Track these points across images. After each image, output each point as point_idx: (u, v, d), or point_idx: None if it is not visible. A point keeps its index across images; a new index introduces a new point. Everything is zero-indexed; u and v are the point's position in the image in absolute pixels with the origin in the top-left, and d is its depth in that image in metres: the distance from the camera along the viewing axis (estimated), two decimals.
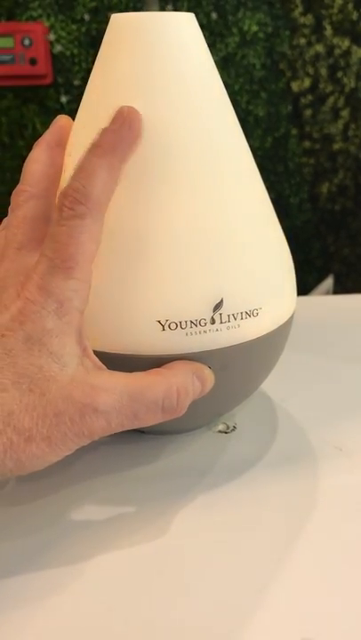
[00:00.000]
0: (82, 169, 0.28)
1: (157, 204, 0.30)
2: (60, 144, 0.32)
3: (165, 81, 0.30)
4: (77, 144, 0.32)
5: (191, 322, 0.30)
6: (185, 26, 0.32)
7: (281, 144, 1.73)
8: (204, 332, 0.30)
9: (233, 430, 0.38)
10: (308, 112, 1.70)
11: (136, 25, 0.31)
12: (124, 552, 0.29)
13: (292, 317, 0.36)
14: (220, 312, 0.31)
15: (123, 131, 0.29)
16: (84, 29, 1.60)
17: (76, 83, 1.64)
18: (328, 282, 1.51)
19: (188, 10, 1.60)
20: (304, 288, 1.87)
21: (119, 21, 0.32)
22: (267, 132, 1.73)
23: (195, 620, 0.25)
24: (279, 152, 1.74)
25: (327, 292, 1.37)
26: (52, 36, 1.60)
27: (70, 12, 1.59)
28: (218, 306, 0.30)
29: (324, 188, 1.77)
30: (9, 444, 0.25)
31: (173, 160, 0.30)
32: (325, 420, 0.39)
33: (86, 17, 1.60)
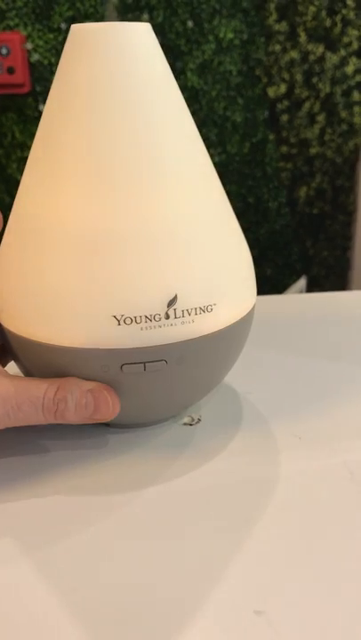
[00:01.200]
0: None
1: (111, 203, 0.31)
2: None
3: (119, 89, 0.32)
4: (35, 152, 0.33)
5: (146, 317, 0.31)
6: (140, 36, 0.33)
7: (259, 149, 1.75)
8: (159, 326, 0.32)
9: (198, 422, 0.39)
10: (284, 117, 1.72)
11: (92, 36, 0.32)
12: (89, 536, 0.30)
13: (250, 313, 0.37)
14: (174, 307, 0.32)
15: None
16: (60, 38, 1.61)
17: None
18: (301, 282, 1.53)
19: (165, 18, 1.62)
20: (284, 291, 1.89)
21: (77, 32, 0.33)
22: (244, 138, 1.75)
23: (158, 593, 0.26)
24: (257, 157, 1.76)
25: (300, 293, 1.39)
26: (29, 45, 1.61)
27: (47, 21, 1.60)
28: (172, 301, 0.32)
29: (302, 192, 1.79)
30: None
31: (126, 163, 0.31)
32: (287, 412, 0.40)
33: (63, 26, 1.61)
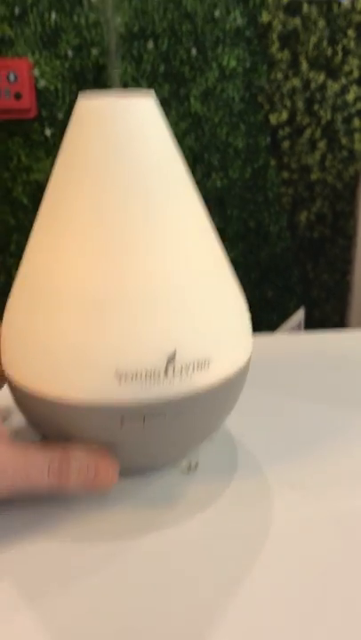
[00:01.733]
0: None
1: (112, 266, 0.33)
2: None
3: (122, 161, 0.33)
4: (43, 216, 0.35)
5: (146, 373, 0.33)
6: (145, 111, 0.35)
7: (260, 174, 1.78)
8: (159, 383, 0.33)
9: (195, 468, 0.40)
10: (286, 144, 1.75)
11: (97, 111, 0.34)
12: (83, 586, 0.31)
13: (246, 364, 0.38)
14: (173, 365, 0.33)
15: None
16: (67, 65, 1.65)
17: (60, 116, 1.68)
18: (299, 314, 1.54)
19: (169, 46, 1.66)
20: (284, 313, 1.91)
21: (83, 106, 0.35)
22: (246, 163, 1.77)
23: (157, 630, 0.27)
24: (258, 182, 1.78)
25: (298, 325, 1.41)
26: (36, 72, 1.65)
27: (54, 48, 1.64)
28: (171, 358, 0.33)
29: (303, 216, 1.82)
30: None
31: (127, 230, 0.33)
32: (282, 458, 0.41)
33: (70, 53, 1.64)
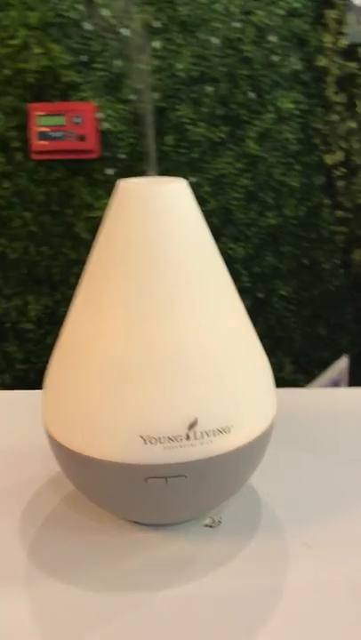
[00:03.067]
0: None
1: (141, 339, 0.36)
2: None
3: (155, 241, 0.37)
4: (82, 291, 0.39)
5: (169, 438, 0.36)
6: (178, 195, 0.38)
7: (314, 213, 1.80)
8: (180, 446, 0.36)
9: (218, 524, 0.43)
10: (340, 183, 1.76)
11: (135, 193, 0.38)
12: (99, 635, 0.34)
13: (268, 428, 0.41)
14: (194, 430, 0.36)
15: None
16: (129, 108, 1.72)
17: (121, 157, 1.75)
18: (343, 361, 1.54)
19: (228, 90, 1.71)
20: (337, 350, 1.90)
21: (123, 188, 0.39)
22: (301, 202, 1.79)
23: None
24: (312, 220, 1.80)
25: (340, 372, 1.41)
26: (100, 115, 1.73)
27: (118, 92, 1.72)
28: (192, 424, 0.36)
29: (357, 254, 1.82)
30: None
31: (156, 306, 0.37)
32: (303, 517, 0.43)
33: (132, 97, 1.72)
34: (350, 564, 0.39)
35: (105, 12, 1.65)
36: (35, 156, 1.69)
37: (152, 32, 1.67)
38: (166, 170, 1.76)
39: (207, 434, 0.36)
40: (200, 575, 0.38)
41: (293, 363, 1.99)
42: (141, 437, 0.36)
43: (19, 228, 1.78)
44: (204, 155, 1.76)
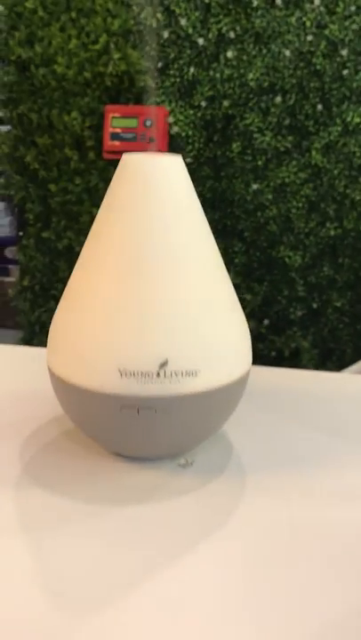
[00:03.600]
0: None
1: (128, 287, 0.42)
2: None
3: (152, 205, 0.43)
4: (87, 245, 0.45)
5: (142, 373, 0.41)
6: (173, 167, 0.44)
7: None
8: (152, 382, 0.41)
9: (190, 465, 0.48)
10: None
11: (137, 164, 0.44)
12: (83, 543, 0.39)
13: (238, 382, 0.45)
14: (164, 369, 0.41)
15: None
16: (199, 114, 1.79)
17: (188, 160, 1.82)
18: None
19: (296, 101, 1.75)
20: None
21: (125, 160, 0.44)
22: None
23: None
24: None
25: None
26: (171, 119, 1.81)
27: (190, 98, 1.79)
28: (163, 364, 0.41)
29: None
30: None
31: (146, 259, 0.42)
32: (265, 468, 0.47)
33: (203, 104, 1.79)
34: (296, 511, 0.43)
35: (183, 22, 1.73)
36: (106, 156, 1.79)
37: (226, 42, 1.73)
38: (231, 175, 1.82)
39: (175, 374, 0.41)
40: (165, 499, 0.43)
41: None
42: (119, 370, 0.41)
43: (87, 223, 1.88)
44: (269, 163, 1.81)
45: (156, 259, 0.42)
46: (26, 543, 0.39)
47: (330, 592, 0.35)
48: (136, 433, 0.43)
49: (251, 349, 0.47)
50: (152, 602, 0.34)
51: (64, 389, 0.45)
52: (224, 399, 0.45)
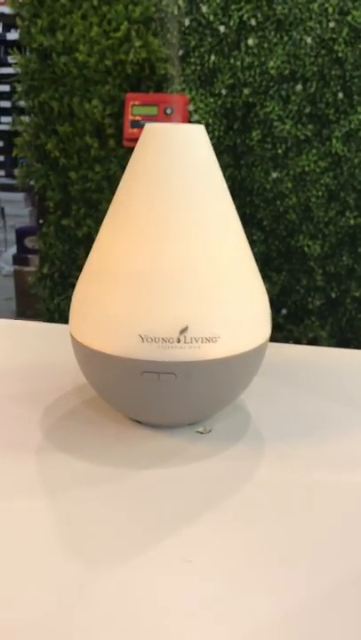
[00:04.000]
0: None
1: (149, 254, 0.43)
2: None
3: (175, 171, 0.43)
4: (109, 215, 0.46)
5: (162, 339, 0.42)
6: (195, 136, 0.44)
7: None
8: (172, 347, 0.42)
9: (209, 432, 0.48)
10: None
11: (156, 133, 0.44)
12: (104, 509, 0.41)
13: (258, 348, 0.46)
14: (185, 335, 0.42)
15: None
16: (220, 102, 1.79)
17: None
18: None
19: (317, 89, 1.74)
20: None
21: (149, 129, 0.45)
22: None
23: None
24: None
25: None
26: (191, 107, 1.81)
27: (210, 86, 1.79)
28: (183, 330, 0.42)
29: None
30: None
31: (168, 223, 0.43)
32: (284, 436, 0.48)
33: (223, 92, 1.79)
34: (313, 475, 0.43)
35: (204, 9, 1.73)
36: (126, 143, 1.80)
37: (247, 29, 1.73)
38: (251, 163, 1.82)
39: (195, 340, 0.42)
40: (183, 464, 0.44)
41: None
42: (140, 336, 0.42)
43: (106, 211, 1.89)
44: (288, 151, 1.80)
45: (177, 226, 0.43)
46: (47, 504, 0.40)
47: (346, 550, 0.36)
48: (156, 399, 0.44)
49: (270, 318, 0.48)
50: (169, 559, 0.35)
51: (86, 356, 0.45)
52: (243, 366, 0.45)
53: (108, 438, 0.47)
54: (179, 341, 0.42)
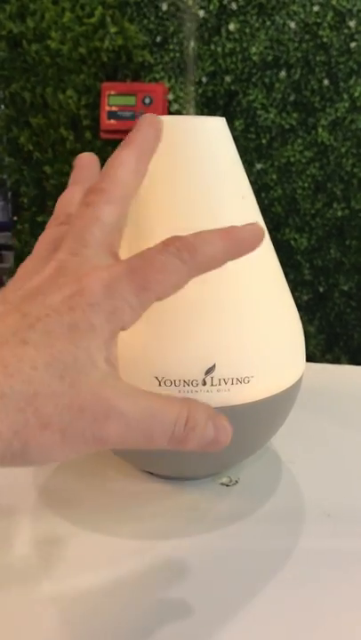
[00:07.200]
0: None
1: None
2: (151, 155, 0.31)
3: (192, 169, 0.36)
4: None
5: (184, 381, 0.35)
6: (212, 129, 0.37)
7: None
8: (196, 391, 0.35)
9: (235, 484, 0.41)
10: None
11: (171, 127, 0.37)
12: (118, 573, 0.33)
13: (293, 387, 0.39)
14: (211, 376, 0.35)
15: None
16: (200, 91, 1.71)
17: None
18: None
19: (301, 75, 1.67)
20: None
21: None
22: None
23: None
24: None
25: None
26: (170, 96, 1.73)
27: (190, 74, 1.71)
28: (210, 370, 0.35)
29: None
30: (23, 425, 0.23)
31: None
32: (324, 486, 0.41)
33: (204, 79, 1.71)
34: None
35: None
36: (103, 135, 1.71)
37: (228, 14, 1.65)
38: None
39: (225, 381, 0.35)
40: (207, 530, 0.37)
41: (351, 360, 1.93)
42: (156, 379, 0.35)
43: None
44: (273, 141, 1.73)
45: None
46: (48, 588, 0.32)
47: None
48: (174, 450, 0.37)
49: (304, 348, 0.41)
50: None
51: None
52: (278, 408, 0.38)
53: (115, 497, 0.40)
54: (204, 384, 0.35)
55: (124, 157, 0.30)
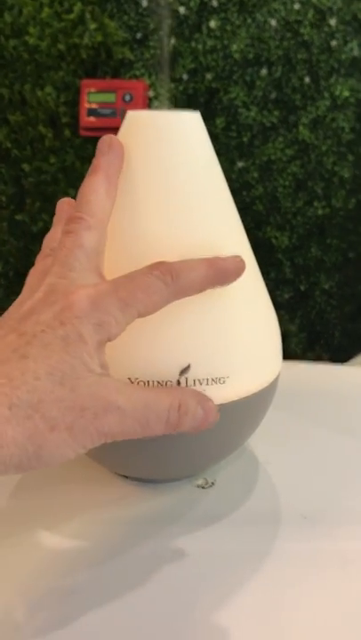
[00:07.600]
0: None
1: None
2: (118, 175, 0.34)
3: (166, 165, 0.35)
4: None
5: (158, 382, 0.34)
6: (188, 124, 0.36)
7: None
8: None
9: (211, 486, 0.40)
10: None
11: (144, 122, 0.36)
12: (75, 583, 0.32)
13: (269, 388, 0.38)
14: (186, 376, 0.34)
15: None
16: (181, 88, 1.70)
17: None
18: None
19: (282, 74, 1.67)
20: None
21: (131, 117, 0.36)
22: (350, 194, 1.74)
23: None
24: None
25: None
26: (151, 93, 1.72)
27: (170, 71, 1.70)
28: (184, 370, 0.34)
29: None
30: (34, 430, 0.26)
31: (161, 238, 0.34)
32: (301, 487, 0.40)
33: (185, 77, 1.70)
34: (343, 536, 0.36)
35: None
36: (83, 133, 1.69)
37: (209, 11, 1.64)
38: (215, 152, 1.73)
39: (200, 382, 0.34)
40: (183, 533, 0.36)
41: (331, 359, 1.93)
42: (129, 380, 0.34)
43: None
44: (254, 139, 1.73)
45: (173, 241, 0.35)
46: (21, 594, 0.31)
47: None
48: (152, 451, 0.36)
49: (281, 347, 0.40)
50: None
51: None
52: (255, 408, 0.38)
53: (89, 501, 0.39)
54: (179, 384, 0.34)
55: (94, 184, 0.33)
